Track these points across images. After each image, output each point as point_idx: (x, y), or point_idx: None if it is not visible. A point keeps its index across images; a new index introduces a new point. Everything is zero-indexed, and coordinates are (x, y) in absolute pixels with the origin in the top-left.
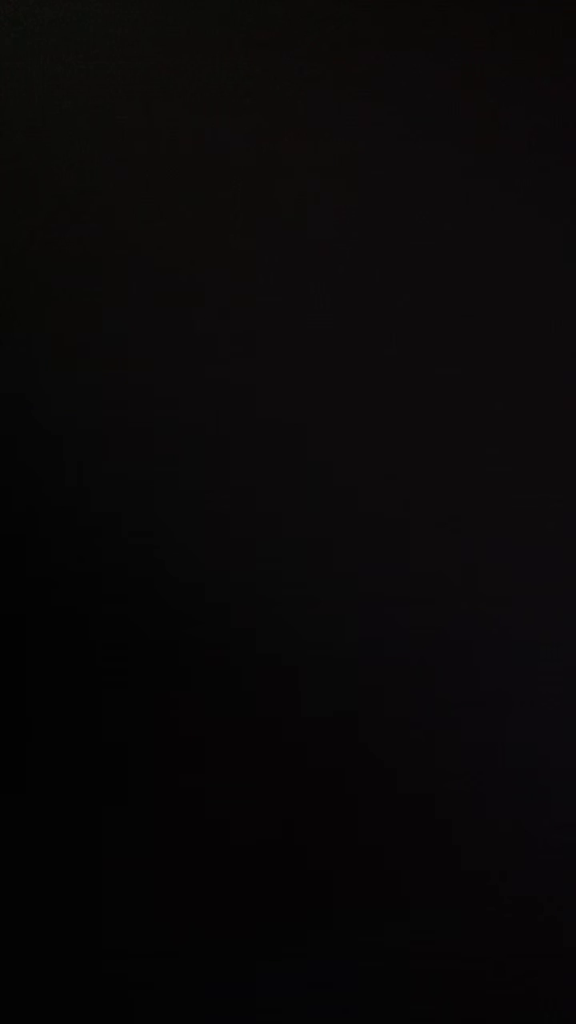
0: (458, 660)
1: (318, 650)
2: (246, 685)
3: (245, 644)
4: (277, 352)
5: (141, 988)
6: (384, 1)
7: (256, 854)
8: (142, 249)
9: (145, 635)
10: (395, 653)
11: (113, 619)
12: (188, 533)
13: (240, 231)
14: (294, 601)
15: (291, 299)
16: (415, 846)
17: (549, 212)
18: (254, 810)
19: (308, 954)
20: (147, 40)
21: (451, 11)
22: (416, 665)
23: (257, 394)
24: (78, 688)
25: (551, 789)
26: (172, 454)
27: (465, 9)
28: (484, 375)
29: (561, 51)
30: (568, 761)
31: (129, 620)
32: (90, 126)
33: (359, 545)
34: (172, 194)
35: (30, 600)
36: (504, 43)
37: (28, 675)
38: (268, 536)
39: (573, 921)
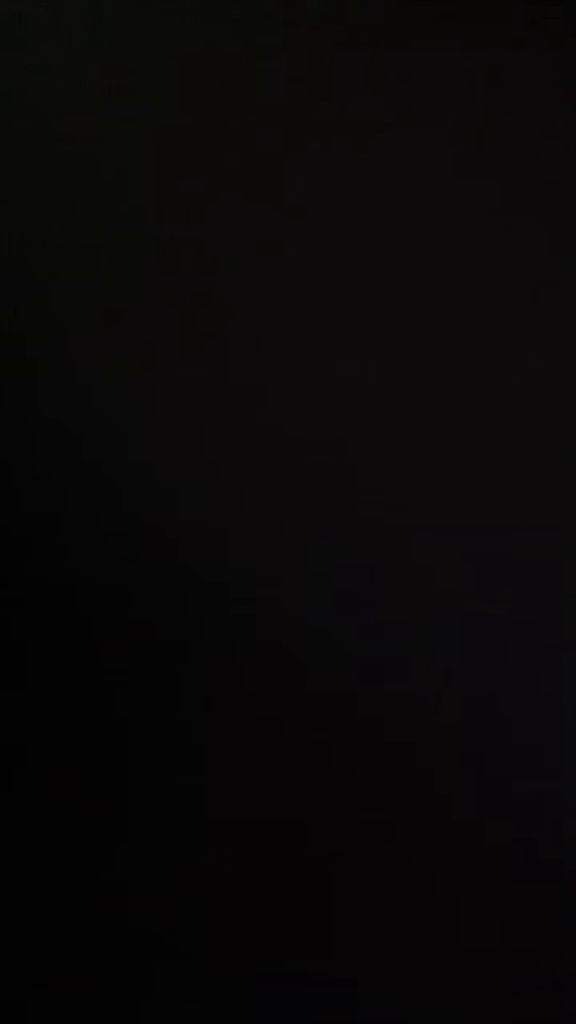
0: (457, 638)
1: (319, 634)
2: (247, 674)
3: (246, 630)
4: (280, 350)
5: (143, 973)
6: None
7: (257, 839)
8: (142, 248)
9: (145, 620)
10: (394, 632)
11: (113, 606)
12: (188, 523)
13: (240, 231)
14: (295, 588)
15: (292, 299)
16: (417, 825)
17: (550, 210)
18: (255, 796)
19: (310, 941)
20: (147, 38)
21: (452, 9)
22: (415, 645)
23: (260, 391)
24: (79, 674)
25: (555, 796)
26: (174, 449)
27: (466, 8)
28: (482, 373)
29: (561, 52)
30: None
31: (130, 606)
32: (90, 124)
33: (359, 533)
34: (172, 193)
35: (32, 590)
36: (505, 40)
37: (28, 663)
38: (269, 528)
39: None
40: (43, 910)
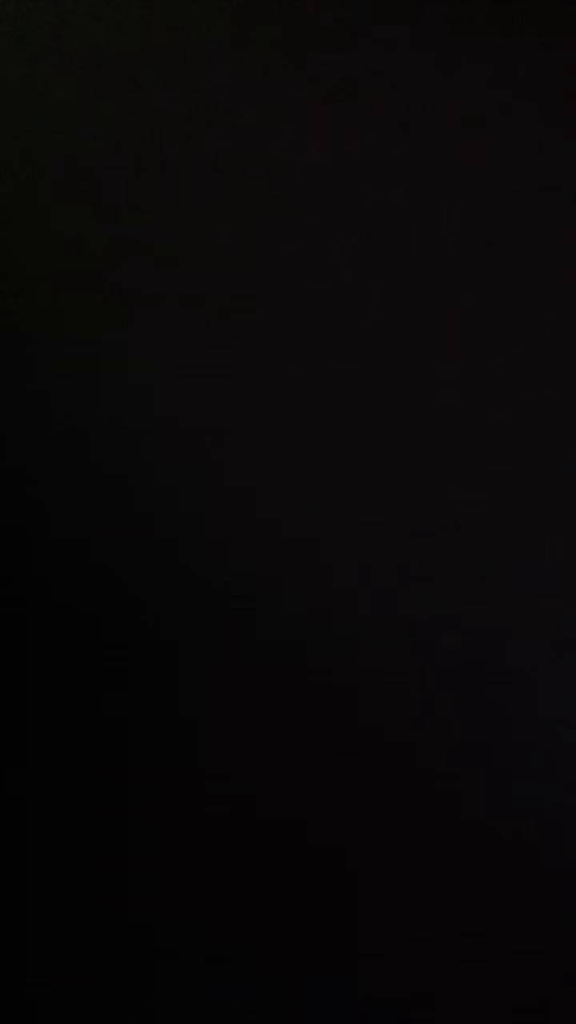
0: (457, 637)
1: (318, 634)
2: (247, 674)
3: (246, 630)
4: (281, 349)
5: (143, 971)
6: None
7: (257, 838)
8: (143, 249)
9: (146, 620)
10: (394, 631)
11: (113, 606)
12: (188, 523)
13: (241, 230)
14: (295, 588)
15: (294, 297)
16: (417, 824)
17: (551, 210)
18: (255, 796)
19: (310, 939)
20: (147, 38)
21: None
22: (415, 645)
23: (261, 390)
24: (79, 674)
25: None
26: (174, 448)
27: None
28: (483, 372)
29: (561, 51)
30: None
31: (130, 606)
32: (90, 125)
33: (359, 533)
34: (173, 194)
35: (32, 589)
36: (504, 36)
37: (28, 662)
38: (269, 528)
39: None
40: (44, 908)
